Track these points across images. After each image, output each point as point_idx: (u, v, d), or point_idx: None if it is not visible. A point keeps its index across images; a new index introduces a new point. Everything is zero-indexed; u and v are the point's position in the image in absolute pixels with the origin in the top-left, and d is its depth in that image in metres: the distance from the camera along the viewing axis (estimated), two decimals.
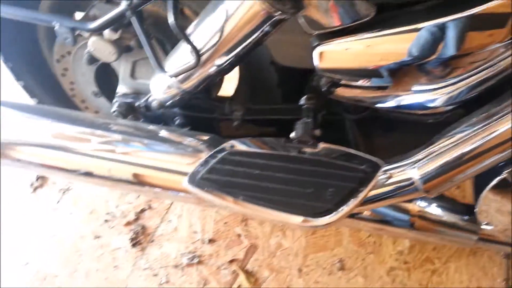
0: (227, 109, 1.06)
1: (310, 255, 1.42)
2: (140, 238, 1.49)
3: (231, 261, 1.42)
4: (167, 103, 0.99)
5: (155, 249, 1.47)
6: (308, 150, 0.84)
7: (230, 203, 0.80)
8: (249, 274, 1.39)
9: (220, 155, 0.85)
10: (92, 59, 1.03)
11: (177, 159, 0.91)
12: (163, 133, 0.96)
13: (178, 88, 0.92)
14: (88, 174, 0.95)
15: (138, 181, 0.92)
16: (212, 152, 0.86)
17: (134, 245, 1.47)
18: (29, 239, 1.52)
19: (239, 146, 0.86)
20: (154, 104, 1.02)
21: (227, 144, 0.87)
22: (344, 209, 0.78)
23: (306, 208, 0.78)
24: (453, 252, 1.40)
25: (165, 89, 0.95)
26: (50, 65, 1.28)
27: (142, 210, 1.56)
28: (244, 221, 1.50)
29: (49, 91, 1.34)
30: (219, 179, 0.83)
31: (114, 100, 1.13)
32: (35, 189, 1.66)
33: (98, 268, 1.44)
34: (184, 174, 0.88)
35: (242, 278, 1.38)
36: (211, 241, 1.47)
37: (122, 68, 1.09)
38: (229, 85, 1.14)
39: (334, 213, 0.77)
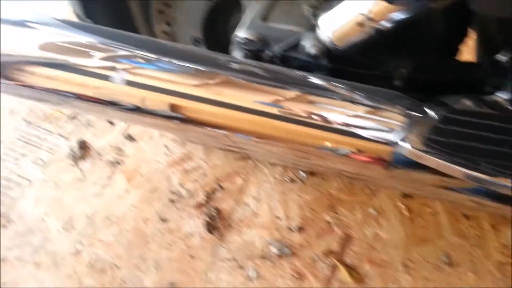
0: (391, 64, 0.87)
1: (412, 248, 1.27)
2: (216, 223, 1.27)
3: (327, 253, 1.24)
4: (343, 49, 0.78)
5: (235, 236, 1.26)
6: None
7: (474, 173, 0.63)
8: (349, 268, 1.22)
9: (441, 114, 0.67)
10: None
11: (374, 118, 0.71)
12: (338, 86, 0.75)
13: (378, 24, 0.71)
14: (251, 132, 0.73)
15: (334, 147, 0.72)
16: (431, 111, 0.68)
17: (210, 231, 1.25)
18: (78, 221, 1.26)
19: (460, 104, 0.69)
20: (314, 49, 0.81)
21: (445, 102, 0.69)
22: None
23: None
24: None
25: (351, 26, 0.74)
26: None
27: (213, 190, 1.34)
28: (332, 207, 1.32)
29: None
30: (448, 141, 0.66)
31: (235, 47, 0.91)
32: (75, 160, 1.38)
33: (170, 257, 1.21)
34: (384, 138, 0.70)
35: (343, 273, 1.20)
36: (299, 229, 1.27)
37: (255, 8, 0.86)
38: None
39: None
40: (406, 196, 1.36)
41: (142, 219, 1.26)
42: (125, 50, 0.74)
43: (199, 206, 1.30)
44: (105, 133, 1.44)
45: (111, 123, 1.46)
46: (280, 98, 0.72)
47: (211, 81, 0.72)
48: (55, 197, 1.30)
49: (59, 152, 1.39)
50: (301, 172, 1.39)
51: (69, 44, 0.74)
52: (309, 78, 0.74)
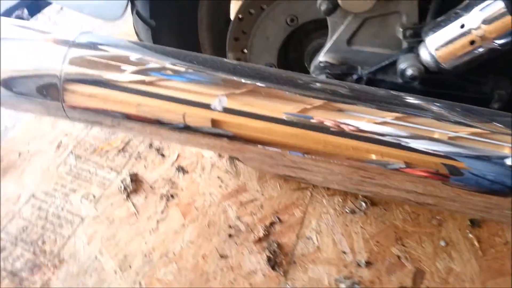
0: (489, 86, 0.82)
1: (489, 282, 1.18)
2: (278, 259, 1.20)
3: None
4: (448, 69, 0.73)
5: (300, 273, 1.19)
6: None
7: None
8: None
9: None
10: (333, 8, 0.77)
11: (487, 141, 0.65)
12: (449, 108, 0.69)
13: (491, 42, 0.67)
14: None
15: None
16: None
17: (273, 268, 1.18)
18: (134, 259, 1.20)
19: None
20: (412, 70, 0.76)
21: None
22: None
23: None
24: None
25: (462, 45, 0.69)
26: (203, 29, 0.99)
27: (272, 224, 1.27)
28: (399, 240, 1.25)
29: None
30: None
31: (317, 72, 0.87)
32: (128, 194, 1.32)
33: None
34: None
35: None
36: (368, 264, 1.20)
37: (343, 29, 0.83)
38: None
39: None
40: (474, 225, 1.28)
41: (201, 256, 1.20)
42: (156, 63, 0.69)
43: (259, 240, 1.24)
44: (156, 165, 1.40)
45: (162, 155, 1.42)
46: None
47: (237, 91, 0.67)
48: (109, 234, 1.24)
49: (111, 186, 1.34)
50: (362, 203, 1.32)
51: (102, 59, 0.70)
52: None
